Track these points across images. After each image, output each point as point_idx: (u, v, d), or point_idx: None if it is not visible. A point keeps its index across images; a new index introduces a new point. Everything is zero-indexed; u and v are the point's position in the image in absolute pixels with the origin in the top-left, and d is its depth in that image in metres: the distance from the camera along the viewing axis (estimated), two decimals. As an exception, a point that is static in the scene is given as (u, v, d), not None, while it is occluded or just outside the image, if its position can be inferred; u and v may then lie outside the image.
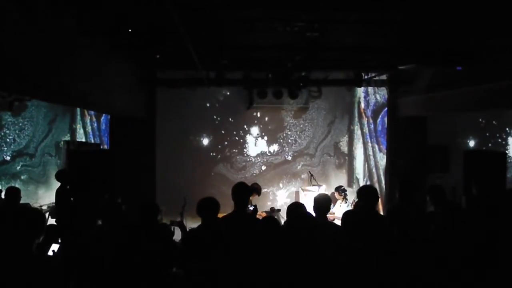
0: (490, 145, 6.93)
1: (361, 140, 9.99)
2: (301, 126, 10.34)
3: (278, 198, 10.26)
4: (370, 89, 9.42)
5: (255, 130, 10.28)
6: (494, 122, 6.88)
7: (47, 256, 3.78)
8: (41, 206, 8.17)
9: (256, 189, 7.55)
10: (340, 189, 7.62)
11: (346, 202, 7.46)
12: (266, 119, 10.28)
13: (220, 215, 4.20)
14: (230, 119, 10.15)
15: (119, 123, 8.24)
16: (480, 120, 7.16)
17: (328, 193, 7.28)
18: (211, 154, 10.17)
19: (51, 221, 6.55)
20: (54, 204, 7.20)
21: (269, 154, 10.30)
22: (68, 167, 7.22)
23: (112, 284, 3.71)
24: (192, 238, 4.08)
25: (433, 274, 3.25)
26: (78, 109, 10.93)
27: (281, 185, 10.31)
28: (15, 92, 6.78)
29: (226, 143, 10.21)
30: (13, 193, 6.07)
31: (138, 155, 8.21)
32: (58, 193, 6.54)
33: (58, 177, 6.63)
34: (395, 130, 8.31)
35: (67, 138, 10.71)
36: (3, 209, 5.88)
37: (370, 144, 9.55)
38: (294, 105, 10.04)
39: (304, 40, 5.42)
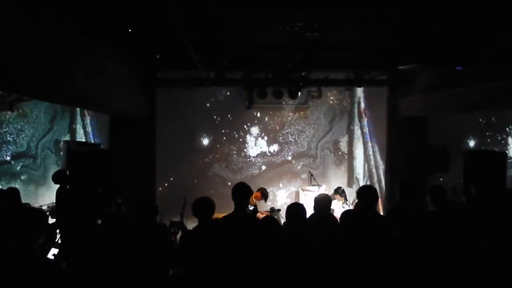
0: (490, 144, 6.93)
1: (361, 140, 9.98)
2: (301, 126, 10.34)
3: (278, 198, 10.26)
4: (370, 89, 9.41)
5: (255, 130, 10.29)
6: (494, 122, 6.88)
7: (49, 258, 3.77)
8: (41, 206, 8.16)
9: (264, 195, 7.51)
10: (339, 191, 7.48)
11: (347, 204, 7.37)
12: (266, 119, 10.28)
13: (220, 215, 4.20)
14: (230, 118, 10.15)
15: (119, 123, 8.23)
16: (480, 120, 7.16)
17: (328, 193, 7.24)
18: (211, 154, 10.17)
19: (51, 221, 6.53)
20: (54, 204, 7.18)
21: (269, 154, 10.31)
22: (68, 167, 7.21)
23: (110, 284, 3.71)
24: (189, 238, 4.08)
25: (433, 274, 3.24)
26: (78, 109, 10.92)
27: (281, 185, 10.31)
28: (15, 92, 6.80)
29: (226, 142, 10.21)
30: (14, 193, 6.06)
31: (138, 155, 8.19)
32: (59, 193, 6.53)
33: (55, 178, 6.56)
34: (395, 130, 8.31)
35: (67, 138, 10.70)
36: (6, 210, 5.86)
37: (370, 144, 9.55)
38: (294, 105, 10.05)
39: (304, 40, 5.42)
